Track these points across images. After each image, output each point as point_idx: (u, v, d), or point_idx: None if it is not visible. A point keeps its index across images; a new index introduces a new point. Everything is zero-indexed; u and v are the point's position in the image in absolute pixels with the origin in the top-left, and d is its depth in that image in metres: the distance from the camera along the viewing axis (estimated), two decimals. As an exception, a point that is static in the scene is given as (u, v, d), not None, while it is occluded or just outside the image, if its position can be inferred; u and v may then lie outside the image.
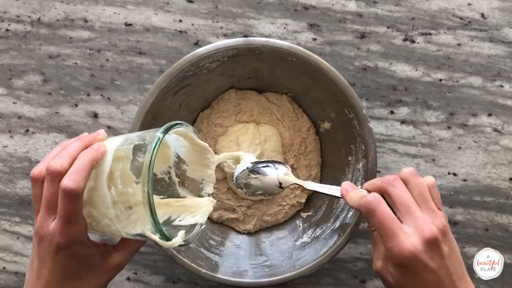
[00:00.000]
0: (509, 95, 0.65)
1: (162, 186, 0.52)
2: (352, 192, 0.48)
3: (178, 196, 0.52)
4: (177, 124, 0.46)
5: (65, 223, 0.42)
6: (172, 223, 0.48)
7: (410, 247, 0.41)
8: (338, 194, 0.51)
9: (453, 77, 0.65)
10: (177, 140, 0.50)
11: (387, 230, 0.42)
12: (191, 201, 0.51)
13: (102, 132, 0.47)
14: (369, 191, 0.47)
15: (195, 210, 0.50)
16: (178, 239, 0.43)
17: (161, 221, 0.47)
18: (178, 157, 0.52)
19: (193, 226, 0.48)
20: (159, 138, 0.42)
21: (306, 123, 0.63)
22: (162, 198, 0.51)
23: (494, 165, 0.65)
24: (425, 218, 0.43)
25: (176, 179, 0.52)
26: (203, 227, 0.48)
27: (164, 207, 0.49)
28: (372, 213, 0.43)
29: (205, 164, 0.52)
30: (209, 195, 0.52)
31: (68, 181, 0.41)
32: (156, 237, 0.42)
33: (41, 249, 0.43)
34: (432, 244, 0.42)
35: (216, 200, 0.52)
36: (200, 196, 0.52)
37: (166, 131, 0.44)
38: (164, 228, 0.42)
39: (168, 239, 0.42)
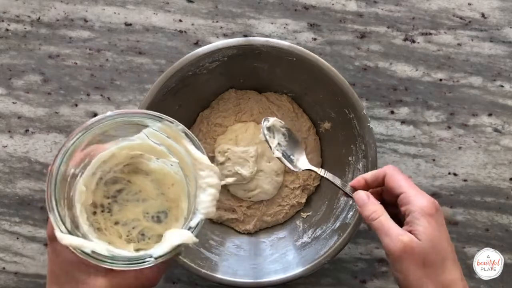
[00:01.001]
0: (510, 95, 0.65)
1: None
2: (366, 173, 0.51)
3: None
4: (154, 116, 0.39)
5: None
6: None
7: (431, 199, 0.45)
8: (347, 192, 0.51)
9: (453, 77, 0.65)
10: None
11: (413, 187, 0.46)
12: (166, 228, 0.43)
13: None
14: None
15: (160, 240, 0.41)
16: (73, 239, 0.36)
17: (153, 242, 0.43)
18: None
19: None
20: (102, 118, 0.38)
21: (306, 123, 0.63)
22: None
23: (495, 165, 0.65)
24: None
25: None
26: (151, 263, 0.39)
27: (163, 228, 0.44)
28: (397, 174, 0.47)
29: (199, 186, 0.40)
30: (190, 228, 0.40)
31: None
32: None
33: None
34: (439, 208, 0.45)
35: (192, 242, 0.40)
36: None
37: (116, 116, 0.39)
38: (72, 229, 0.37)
39: (70, 232, 0.37)
